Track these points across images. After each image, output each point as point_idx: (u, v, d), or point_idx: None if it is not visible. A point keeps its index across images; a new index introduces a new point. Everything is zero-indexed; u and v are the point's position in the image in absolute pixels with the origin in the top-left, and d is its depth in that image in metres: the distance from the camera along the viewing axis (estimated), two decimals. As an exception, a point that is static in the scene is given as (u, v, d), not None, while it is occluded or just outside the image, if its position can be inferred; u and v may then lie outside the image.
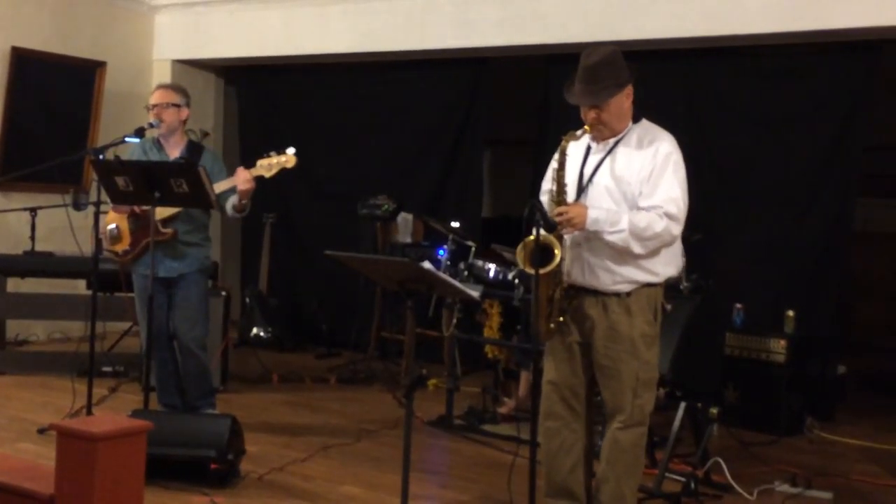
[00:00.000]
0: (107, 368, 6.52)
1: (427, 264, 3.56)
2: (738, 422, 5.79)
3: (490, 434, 5.63)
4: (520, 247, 3.73)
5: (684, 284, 5.21)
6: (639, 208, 3.68)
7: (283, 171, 5.06)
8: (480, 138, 7.89)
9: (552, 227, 3.63)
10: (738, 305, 6.22)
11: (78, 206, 6.42)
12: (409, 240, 7.66)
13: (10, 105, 7.65)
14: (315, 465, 4.96)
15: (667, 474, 4.63)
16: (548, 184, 3.85)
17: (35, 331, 7.84)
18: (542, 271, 3.63)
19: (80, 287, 7.06)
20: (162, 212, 5.02)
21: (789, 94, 6.53)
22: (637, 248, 3.66)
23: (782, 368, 5.96)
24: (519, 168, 8.47)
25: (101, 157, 4.92)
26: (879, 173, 8.04)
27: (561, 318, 3.78)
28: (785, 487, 4.82)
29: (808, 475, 4.97)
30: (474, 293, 4.61)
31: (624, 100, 3.74)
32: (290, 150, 5.01)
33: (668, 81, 6.80)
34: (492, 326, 5.97)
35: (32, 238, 6.51)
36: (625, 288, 3.73)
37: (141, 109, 5.57)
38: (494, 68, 7.69)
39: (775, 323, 6.16)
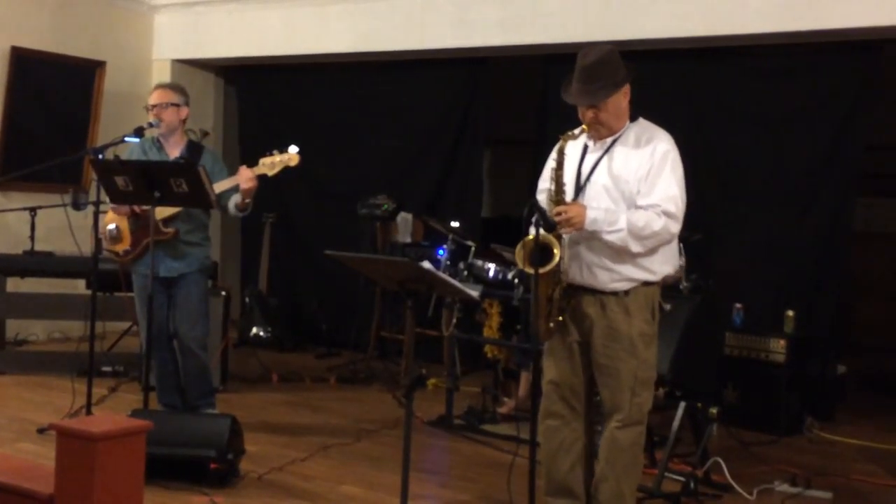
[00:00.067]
0: (106, 368, 6.53)
1: (427, 264, 3.56)
2: (738, 422, 5.79)
3: (490, 434, 5.63)
4: (519, 246, 3.73)
5: (684, 284, 5.21)
6: (637, 207, 3.68)
7: (285, 171, 5.07)
8: (480, 138, 7.89)
9: (551, 226, 3.63)
10: (738, 305, 6.22)
11: (77, 205, 6.41)
12: (408, 240, 7.67)
13: (10, 105, 7.65)
14: (315, 464, 4.96)
15: (666, 474, 4.63)
16: (545, 183, 3.85)
17: (35, 330, 7.84)
18: (541, 271, 3.63)
19: (79, 287, 7.07)
20: (162, 211, 5.03)
21: (789, 94, 6.53)
22: (635, 247, 3.67)
23: (782, 368, 5.96)
24: (518, 168, 8.48)
25: (100, 156, 4.92)
26: (879, 173, 8.04)
27: (560, 318, 3.78)
28: (785, 487, 4.82)
29: (807, 475, 4.97)
30: (474, 293, 4.61)
31: (621, 99, 3.75)
32: (293, 149, 5.02)
33: (668, 81, 6.80)
34: (491, 326, 5.97)
35: (32, 238, 6.51)
36: (623, 286, 3.74)
37: (140, 109, 5.57)
38: (494, 68, 7.70)
39: (775, 323, 6.16)
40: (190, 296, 5.28)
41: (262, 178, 5.03)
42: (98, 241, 5.15)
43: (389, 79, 8.20)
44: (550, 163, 3.80)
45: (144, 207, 5.02)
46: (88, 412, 5.05)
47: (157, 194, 4.72)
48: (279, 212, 8.45)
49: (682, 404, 4.84)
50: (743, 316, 6.21)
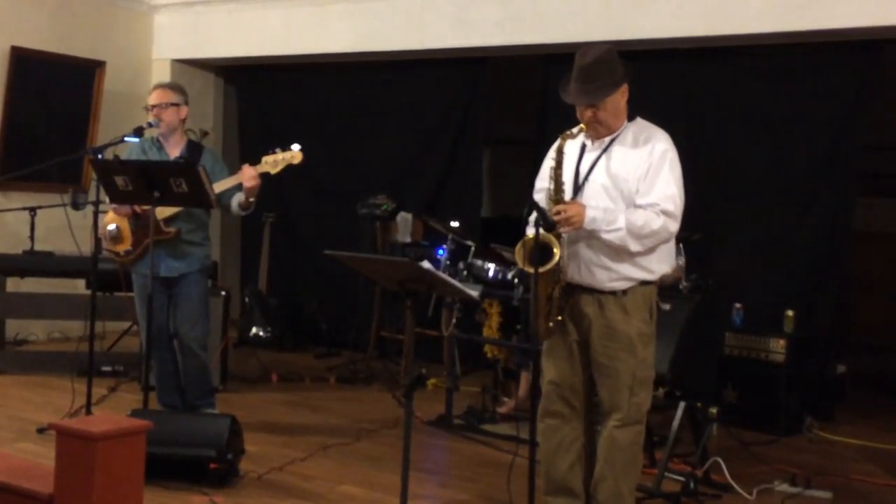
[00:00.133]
0: (106, 368, 6.52)
1: (426, 264, 3.56)
2: (738, 421, 5.78)
3: (489, 434, 5.63)
4: (519, 245, 3.73)
5: (684, 284, 5.22)
6: (636, 206, 3.69)
7: (286, 169, 5.08)
8: (480, 138, 7.89)
9: (551, 225, 3.64)
10: (738, 305, 6.22)
11: (77, 205, 6.41)
12: (408, 239, 7.67)
13: (10, 105, 7.65)
14: (314, 464, 4.96)
15: (666, 474, 4.63)
16: (543, 182, 3.86)
17: (34, 330, 7.84)
18: (541, 270, 3.63)
19: (79, 287, 7.07)
20: (163, 211, 5.03)
21: (789, 94, 6.52)
22: (634, 246, 3.67)
23: (782, 368, 5.96)
24: (518, 168, 8.47)
25: (100, 156, 4.92)
26: (879, 173, 8.04)
27: (559, 318, 3.78)
28: (784, 487, 4.82)
29: (807, 475, 4.97)
30: (474, 293, 4.61)
31: (620, 98, 3.75)
32: (296, 147, 5.04)
33: (668, 81, 6.80)
34: (491, 326, 5.97)
35: (32, 238, 6.52)
36: (621, 286, 3.74)
37: (140, 109, 5.57)
38: (494, 68, 7.69)
39: (775, 323, 6.16)
40: (190, 296, 5.28)
41: (263, 177, 5.04)
42: (98, 241, 5.15)
43: (389, 79, 8.20)
44: (549, 162, 3.81)
45: (145, 207, 5.02)
46: (88, 412, 5.05)
47: (156, 194, 4.72)
48: (279, 211, 8.44)
49: (682, 404, 4.84)
50: (743, 316, 6.21)
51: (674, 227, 3.72)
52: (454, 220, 6.48)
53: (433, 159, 8.04)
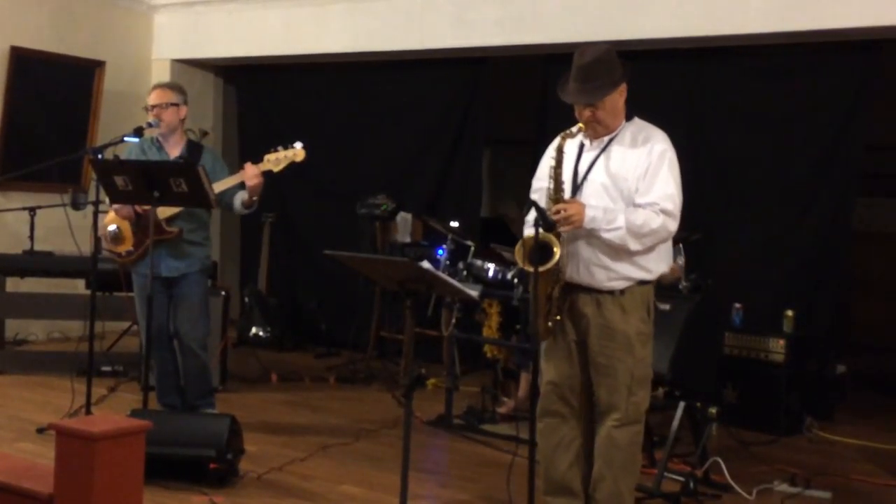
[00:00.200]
0: (106, 368, 6.52)
1: (426, 264, 3.56)
2: (738, 421, 5.78)
3: (489, 434, 5.63)
4: (519, 245, 3.74)
5: (684, 284, 5.22)
6: (635, 205, 3.69)
7: (288, 168, 5.08)
8: (480, 138, 7.89)
9: (550, 225, 3.64)
10: (738, 305, 6.22)
11: (77, 205, 6.41)
12: (408, 239, 7.67)
13: (10, 104, 7.65)
14: (314, 464, 4.96)
15: (666, 474, 4.63)
16: (540, 182, 3.86)
17: (34, 330, 7.84)
18: (541, 269, 3.63)
19: (79, 286, 7.07)
20: (164, 210, 5.03)
21: (789, 94, 6.52)
22: (634, 245, 3.68)
23: (781, 368, 5.96)
24: (518, 168, 8.47)
25: (100, 156, 4.92)
26: (879, 173, 8.04)
27: (558, 317, 3.78)
28: (784, 487, 4.82)
29: (807, 475, 4.97)
30: (473, 293, 4.60)
31: (618, 98, 3.76)
32: (298, 144, 5.05)
33: (668, 81, 6.80)
34: (491, 326, 5.96)
35: (31, 237, 6.51)
36: (619, 285, 3.75)
37: (140, 109, 5.57)
38: (494, 68, 7.69)
39: (774, 323, 6.16)
40: (191, 296, 5.28)
41: (266, 175, 5.04)
42: (97, 241, 5.15)
43: (389, 79, 8.20)
44: (549, 161, 3.81)
45: (146, 208, 5.02)
46: (88, 412, 5.05)
47: (156, 194, 4.72)
48: (279, 211, 8.45)
49: (682, 404, 4.84)
50: (742, 316, 6.21)
51: (673, 226, 3.73)
52: (454, 219, 6.48)
53: (433, 159, 8.04)
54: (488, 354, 6.12)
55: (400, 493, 3.51)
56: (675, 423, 4.79)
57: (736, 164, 6.70)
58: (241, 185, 5.10)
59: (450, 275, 5.25)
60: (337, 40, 7.82)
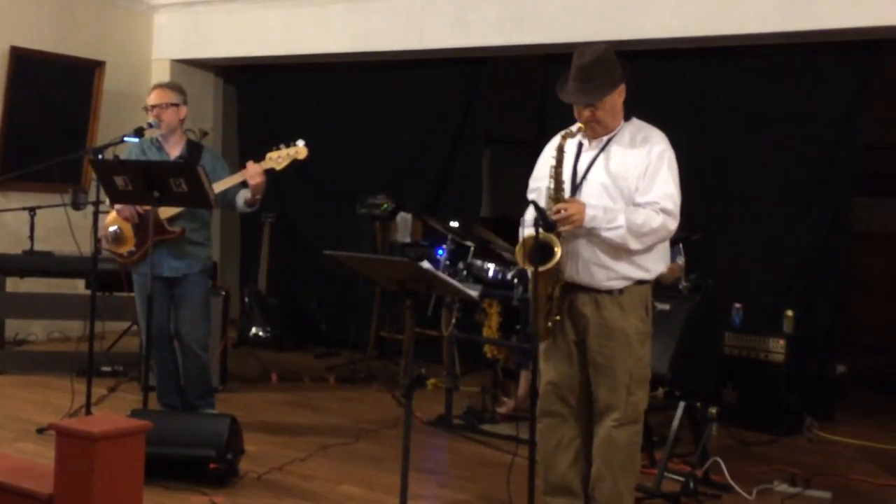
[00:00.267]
0: (106, 368, 6.53)
1: (426, 264, 3.56)
2: (738, 421, 5.78)
3: (489, 434, 5.63)
4: (519, 244, 3.74)
5: (683, 284, 5.22)
6: (636, 204, 3.70)
7: (287, 169, 5.08)
8: (479, 138, 7.89)
9: (550, 225, 3.64)
10: (738, 305, 6.22)
11: (77, 205, 6.42)
12: (408, 239, 7.67)
13: (10, 104, 7.65)
14: (314, 464, 4.96)
15: (666, 474, 4.63)
16: (539, 182, 3.86)
17: (34, 330, 7.84)
18: (542, 268, 3.63)
19: (79, 287, 7.07)
20: (166, 210, 5.04)
21: (789, 94, 6.52)
22: (634, 245, 3.68)
23: (781, 368, 5.96)
24: (518, 168, 8.45)
25: (100, 156, 4.91)
26: (879, 173, 8.04)
27: (558, 317, 3.78)
28: (784, 487, 4.82)
29: (807, 475, 4.97)
30: (473, 293, 4.60)
31: (617, 98, 3.77)
32: (300, 142, 5.05)
33: (668, 81, 6.80)
34: (491, 326, 5.96)
35: (31, 237, 6.52)
36: (618, 285, 3.75)
37: (140, 109, 5.57)
38: (493, 68, 7.69)
39: (774, 323, 6.16)
40: (192, 297, 5.28)
41: (268, 174, 5.04)
42: (97, 241, 5.15)
43: (389, 79, 8.20)
44: (549, 160, 3.80)
45: (147, 208, 5.02)
46: (88, 412, 5.05)
47: (156, 194, 4.72)
48: (278, 211, 8.44)
49: (682, 404, 4.84)
50: (742, 316, 6.21)
51: (673, 225, 3.73)
52: (453, 219, 6.48)
53: (433, 159, 8.04)
54: (488, 354, 6.12)
55: (400, 493, 3.51)
56: (675, 423, 4.79)
57: (736, 164, 6.70)
58: (243, 184, 5.11)
59: (450, 275, 5.25)
60: (337, 40, 7.82)
